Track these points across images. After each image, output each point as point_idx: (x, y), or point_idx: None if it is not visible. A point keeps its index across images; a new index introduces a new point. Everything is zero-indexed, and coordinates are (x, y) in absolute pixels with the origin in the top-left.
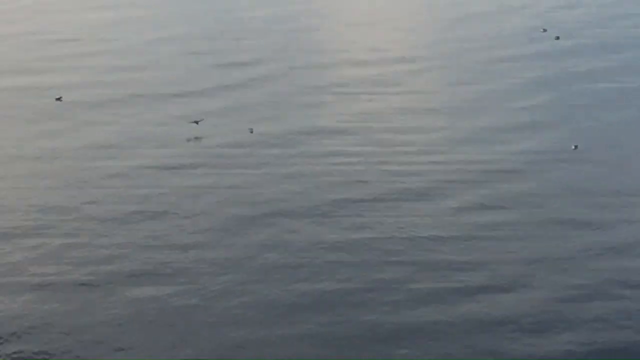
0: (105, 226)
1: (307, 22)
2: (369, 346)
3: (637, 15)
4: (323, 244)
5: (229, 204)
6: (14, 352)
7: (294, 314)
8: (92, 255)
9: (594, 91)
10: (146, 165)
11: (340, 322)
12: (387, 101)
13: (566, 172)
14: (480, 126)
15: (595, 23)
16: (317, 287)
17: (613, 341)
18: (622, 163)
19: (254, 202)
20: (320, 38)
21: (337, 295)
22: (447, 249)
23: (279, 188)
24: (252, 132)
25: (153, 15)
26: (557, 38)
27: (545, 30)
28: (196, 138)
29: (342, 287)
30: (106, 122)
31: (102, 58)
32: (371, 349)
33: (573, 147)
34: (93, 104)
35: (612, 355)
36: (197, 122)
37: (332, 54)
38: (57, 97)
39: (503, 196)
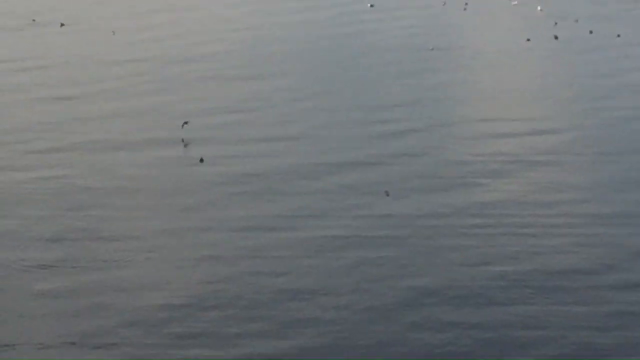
0: (261, 301)
1: (453, 93)
2: None
3: None
4: (483, 324)
5: (380, 280)
6: None
7: None
8: (246, 330)
9: None
10: (301, 239)
11: None
12: (535, 175)
13: None
14: (634, 200)
15: None
16: None
17: None
18: None
19: (403, 275)
20: (467, 109)
21: None
22: (613, 328)
23: (427, 262)
24: (388, 194)
25: (300, 85)
26: None
27: None
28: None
29: None
30: (256, 194)
31: (253, 128)
32: None
33: None
34: (241, 175)
35: None
36: (185, 123)
37: (478, 125)
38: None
39: None
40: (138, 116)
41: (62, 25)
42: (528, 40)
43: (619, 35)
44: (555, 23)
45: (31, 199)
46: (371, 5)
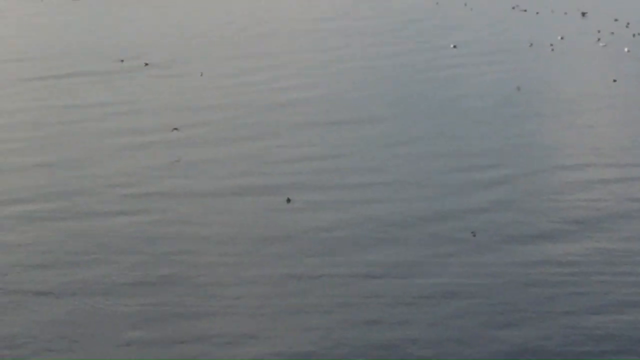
0: (355, 353)
1: (541, 138)
2: None
3: None
4: None
5: (473, 332)
6: None
7: None
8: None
9: None
10: (393, 289)
11: None
12: (628, 224)
13: None
14: None
15: None
16: None
17: None
18: None
19: (496, 326)
20: (556, 155)
21: None
22: None
23: (519, 312)
24: (474, 235)
25: (390, 131)
26: None
27: None
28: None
29: None
30: (347, 241)
31: (343, 174)
32: None
33: None
34: (331, 222)
35: None
36: (177, 129)
37: (567, 172)
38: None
39: None
40: (228, 162)
41: (146, 64)
42: (614, 81)
43: None
44: None
45: (123, 244)
46: (454, 46)
